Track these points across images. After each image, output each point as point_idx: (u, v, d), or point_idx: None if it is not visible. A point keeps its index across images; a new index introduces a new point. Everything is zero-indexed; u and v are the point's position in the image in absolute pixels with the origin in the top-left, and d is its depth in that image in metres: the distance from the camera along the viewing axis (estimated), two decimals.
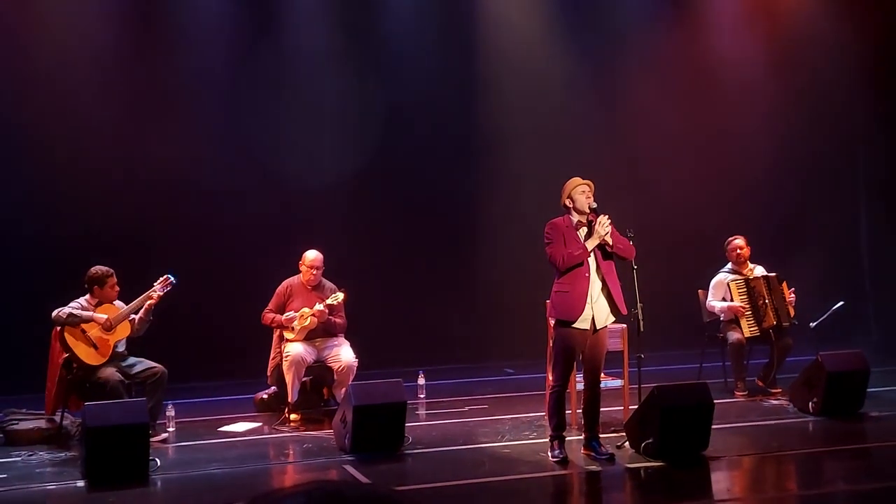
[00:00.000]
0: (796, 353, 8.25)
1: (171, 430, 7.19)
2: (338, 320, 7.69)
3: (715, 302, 8.46)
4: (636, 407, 6.55)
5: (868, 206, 11.16)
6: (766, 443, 6.82)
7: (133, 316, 7.18)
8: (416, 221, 9.87)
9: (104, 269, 7.18)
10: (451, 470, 6.26)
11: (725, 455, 6.48)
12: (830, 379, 7.29)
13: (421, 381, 8.31)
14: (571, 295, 6.22)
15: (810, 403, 7.40)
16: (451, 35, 10.10)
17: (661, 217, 9.84)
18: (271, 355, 7.76)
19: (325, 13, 9.75)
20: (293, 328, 7.55)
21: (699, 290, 8.66)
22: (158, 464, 6.28)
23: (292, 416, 7.53)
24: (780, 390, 8.11)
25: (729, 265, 8.53)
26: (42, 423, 7.13)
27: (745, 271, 8.46)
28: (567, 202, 6.37)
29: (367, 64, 9.79)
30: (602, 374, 6.59)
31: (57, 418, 7.08)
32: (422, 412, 8.00)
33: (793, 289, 8.38)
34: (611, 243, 6.26)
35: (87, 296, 7.17)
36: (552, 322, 6.73)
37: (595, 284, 6.27)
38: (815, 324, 8.35)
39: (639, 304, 6.28)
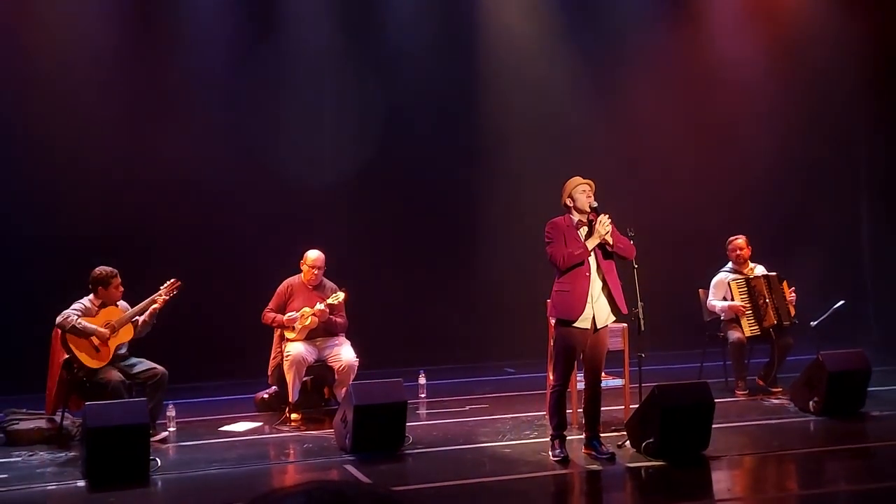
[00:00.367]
0: (797, 353, 8.25)
1: (171, 429, 7.18)
2: (338, 320, 7.69)
3: (715, 301, 8.46)
4: (637, 406, 6.55)
5: (868, 205, 11.15)
6: (766, 442, 6.82)
7: (137, 318, 7.15)
8: (416, 221, 9.88)
9: (108, 269, 7.10)
10: (452, 470, 6.26)
11: (726, 454, 6.48)
12: (831, 378, 7.29)
13: (421, 380, 8.31)
14: (572, 294, 6.22)
15: (811, 403, 7.40)
16: (451, 35, 10.09)
17: (662, 216, 9.84)
18: (272, 355, 7.76)
19: (326, 13, 9.73)
20: (294, 328, 7.55)
21: (700, 290, 8.66)
22: (159, 464, 6.27)
23: (293, 416, 7.53)
24: (780, 390, 8.10)
25: (729, 264, 8.53)
26: (42, 424, 7.11)
27: (745, 271, 8.45)
28: (567, 201, 6.37)
29: (367, 64, 9.78)
30: (603, 374, 6.59)
31: (57, 418, 7.07)
32: (422, 412, 8.00)
33: (793, 288, 8.38)
34: (611, 243, 6.26)
35: (91, 296, 7.09)
36: (553, 321, 6.73)
37: (596, 284, 6.26)
38: (815, 323, 8.34)
39: (639, 304, 6.27)
